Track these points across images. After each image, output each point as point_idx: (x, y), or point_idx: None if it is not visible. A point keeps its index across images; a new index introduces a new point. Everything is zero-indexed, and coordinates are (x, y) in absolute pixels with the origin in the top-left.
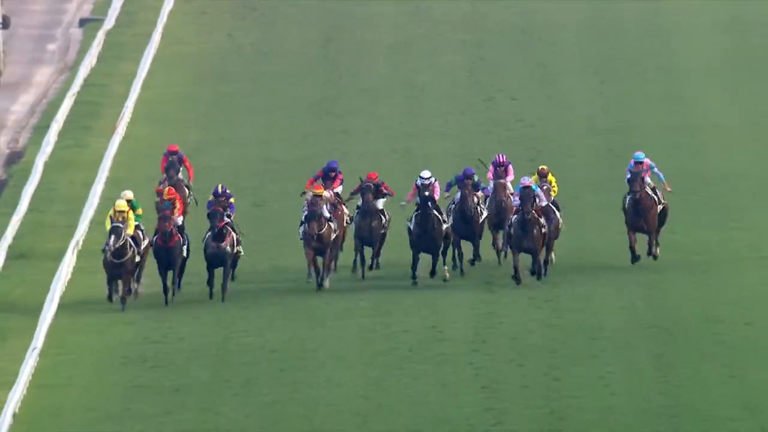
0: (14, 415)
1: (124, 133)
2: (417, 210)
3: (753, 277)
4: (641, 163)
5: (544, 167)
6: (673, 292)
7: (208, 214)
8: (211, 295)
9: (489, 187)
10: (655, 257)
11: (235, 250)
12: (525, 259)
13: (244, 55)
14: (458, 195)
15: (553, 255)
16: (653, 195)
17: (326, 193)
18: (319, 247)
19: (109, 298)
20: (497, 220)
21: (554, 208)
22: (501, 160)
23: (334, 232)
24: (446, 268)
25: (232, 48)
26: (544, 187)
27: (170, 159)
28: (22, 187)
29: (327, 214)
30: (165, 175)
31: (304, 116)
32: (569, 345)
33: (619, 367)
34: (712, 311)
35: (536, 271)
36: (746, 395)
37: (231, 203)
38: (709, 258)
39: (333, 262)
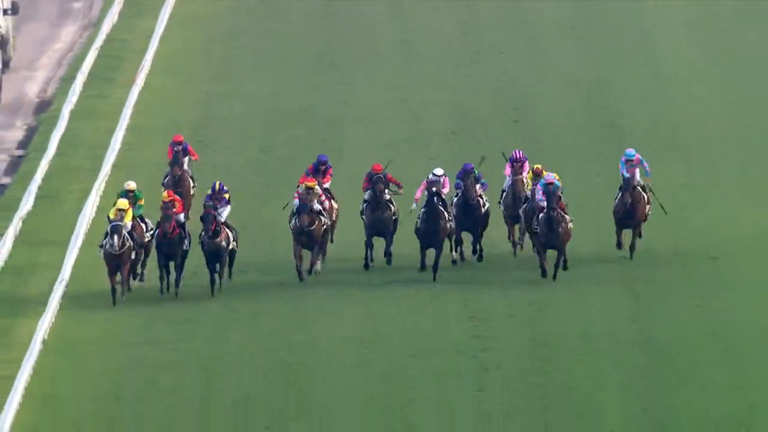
0: (43, 342)
1: (143, 84)
2: (424, 207)
3: (717, 215)
4: (632, 159)
5: (539, 166)
6: (644, 228)
7: (201, 218)
8: (212, 293)
9: (506, 182)
10: (633, 248)
11: (230, 246)
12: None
13: (253, 14)
14: (461, 188)
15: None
16: (642, 192)
17: (317, 188)
18: (307, 242)
19: (113, 290)
20: (514, 214)
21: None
22: (518, 156)
23: (324, 226)
24: (454, 254)
25: (242, 7)
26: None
27: (175, 150)
28: (50, 133)
29: (317, 207)
30: (169, 168)
31: (309, 69)
32: (550, 280)
33: (596, 299)
34: (681, 247)
35: (562, 265)
36: (712, 323)
37: (225, 198)
38: (676, 198)
39: (321, 255)
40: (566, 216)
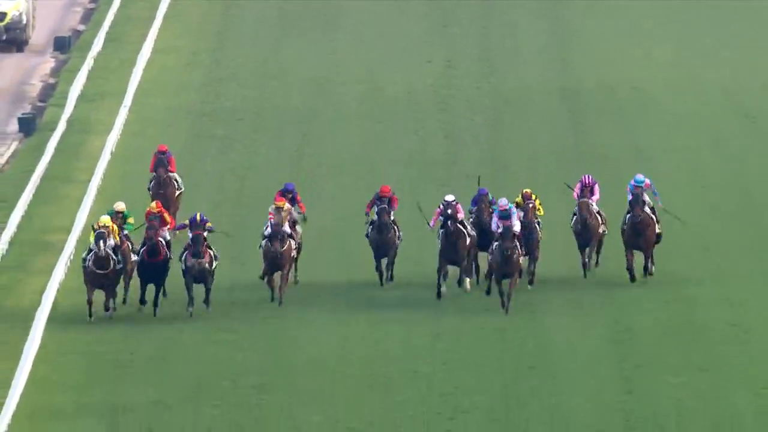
0: (111, 153)
1: None
2: (441, 227)
3: (637, 54)
4: (641, 185)
5: (528, 190)
6: (576, 61)
7: (192, 239)
8: (190, 314)
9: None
10: (651, 274)
11: (213, 267)
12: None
13: None
14: (474, 212)
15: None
16: (651, 215)
17: (287, 205)
18: (278, 263)
19: (90, 305)
20: (583, 240)
21: (536, 224)
22: (587, 182)
23: (294, 249)
24: (468, 279)
25: None
26: (530, 205)
27: (159, 158)
28: None
29: (288, 230)
30: (155, 174)
31: None
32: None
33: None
34: (605, 80)
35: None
36: (636, 141)
37: (210, 227)
38: (603, 42)
39: (287, 279)
40: (518, 246)
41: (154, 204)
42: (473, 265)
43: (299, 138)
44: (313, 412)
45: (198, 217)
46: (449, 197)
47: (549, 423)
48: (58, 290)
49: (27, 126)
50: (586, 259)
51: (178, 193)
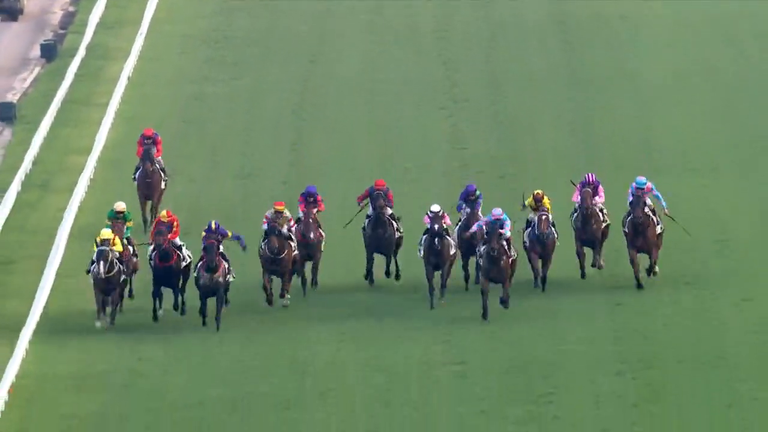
0: (128, 78)
1: None
2: (425, 233)
3: None
4: (642, 188)
5: (539, 192)
6: None
7: (205, 248)
8: (204, 323)
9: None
10: (654, 274)
11: (227, 279)
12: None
13: None
14: (466, 211)
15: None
16: (652, 217)
17: (287, 212)
18: (276, 270)
19: (102, 311)
20: (585, 235)
21: (553, 232)
22: (590, 180)
23: (294, 250)
24: (444, 301)
25: None
26: (543, 217)
27: (146, 143)
28: None
29: (287, 232)
30: (141, 163)
31: None
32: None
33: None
34: (599, 9)
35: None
36: (626, 66)
37: (225, 234)
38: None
39: (289, 283)
40: (509, 251)
41: (164, 213)
42: (464, 273)
43: (306, 64)
44: (318, 340)
45: (213, 225)
46: (435, 208)
47: (542, 335)
48: (79, 208)
49: (49, 52)
50: (597, 263)
51: (163, 184)
